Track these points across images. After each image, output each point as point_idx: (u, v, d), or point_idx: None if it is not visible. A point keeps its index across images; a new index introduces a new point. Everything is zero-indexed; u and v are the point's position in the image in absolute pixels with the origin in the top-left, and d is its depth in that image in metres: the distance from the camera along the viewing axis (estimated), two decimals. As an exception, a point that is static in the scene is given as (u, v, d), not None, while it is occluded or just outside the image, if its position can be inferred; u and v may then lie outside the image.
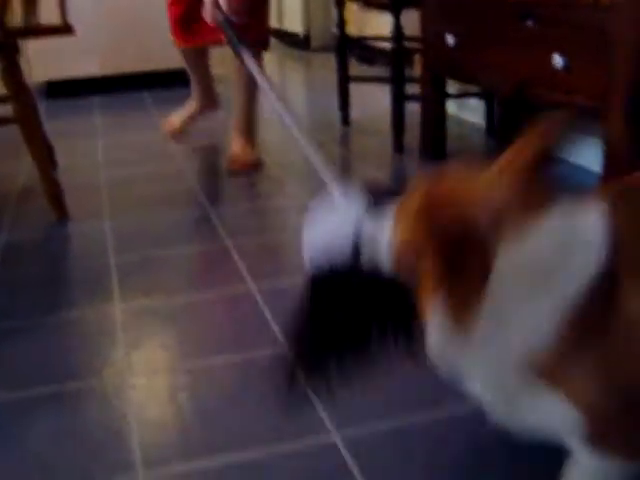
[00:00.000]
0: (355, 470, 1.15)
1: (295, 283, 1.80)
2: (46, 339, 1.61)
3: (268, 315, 1.66)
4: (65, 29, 2.46)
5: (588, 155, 2.49)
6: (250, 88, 2.90)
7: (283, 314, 1.64)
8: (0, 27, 2.17)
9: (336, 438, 1.23)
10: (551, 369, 0.84)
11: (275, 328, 1.60)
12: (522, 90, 2.18)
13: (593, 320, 0.82)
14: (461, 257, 0.81)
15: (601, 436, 0.87)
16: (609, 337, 0.82)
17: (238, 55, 2.00)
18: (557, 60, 1.97)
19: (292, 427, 1.26)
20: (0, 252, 2.10)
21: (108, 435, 1.27)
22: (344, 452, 1.19)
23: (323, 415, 1.29)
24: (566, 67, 1.96)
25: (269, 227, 2.22)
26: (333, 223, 1.06)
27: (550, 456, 1.05)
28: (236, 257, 1.99)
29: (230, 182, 2.71)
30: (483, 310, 0.82)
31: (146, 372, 1.46)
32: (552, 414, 0.86)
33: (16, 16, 2.38)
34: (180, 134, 3.33)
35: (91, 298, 1.78)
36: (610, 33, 1.80)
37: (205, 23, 2.85)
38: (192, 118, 3.39)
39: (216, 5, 2.35)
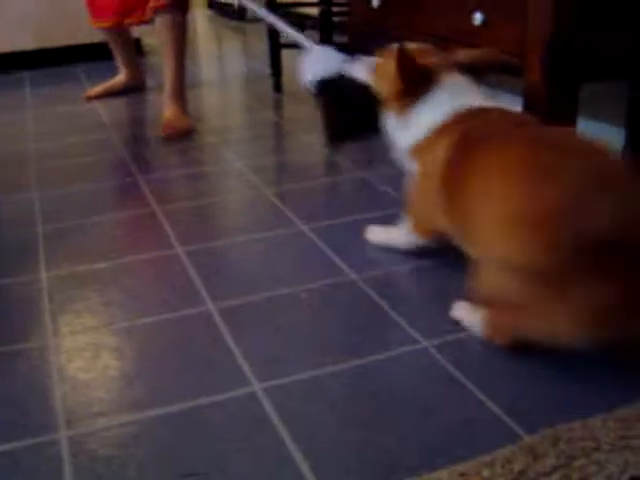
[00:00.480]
0: (275, 419, 1.17)
1: (222, 244, 1.82)
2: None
3: (194, 276, 1.66)
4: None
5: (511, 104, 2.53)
6: (178, 55, 2.90)
7: (210, 274, 1.66)
8: None
9: (257, 388, 1.25)
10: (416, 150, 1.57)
11: (201, 289, 1.61)
12: (444, 48, 2.20)
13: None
14: (412, 81, 1.56)
15: None
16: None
17: None
18: (477, 16, 1.99)
19: (215, 381, 1.28)
20: None
21: (32, 397, 1.27)
22: (265, 402, 1.21)
23: (245, 368, 1.31)
24: (484, 22, 1.98)
25: (199, 193, 2.22)
26: (322, 57, 1.99)
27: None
28: (164, 222, 1.99)
29: (162, 150, 2.69)
30: (412, 110, 1.58)
31: (70, 333, 1.46)
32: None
33: None
34: (96, 96, 3.50)
35: (18, 266, 1.77)
36: (526, -12, 1.83)
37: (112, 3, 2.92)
38: (113, 88, 3.46)
39: None
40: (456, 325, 1.40)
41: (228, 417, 1.18)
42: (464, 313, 1.41)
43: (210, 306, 1.53)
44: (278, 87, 3.39)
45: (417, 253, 1.69)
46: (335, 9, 2.99)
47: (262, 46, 4.42)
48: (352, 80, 1.75)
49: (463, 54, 1.67)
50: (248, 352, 1.36)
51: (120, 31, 3.34)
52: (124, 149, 2.69)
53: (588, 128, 2.29)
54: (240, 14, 6.21)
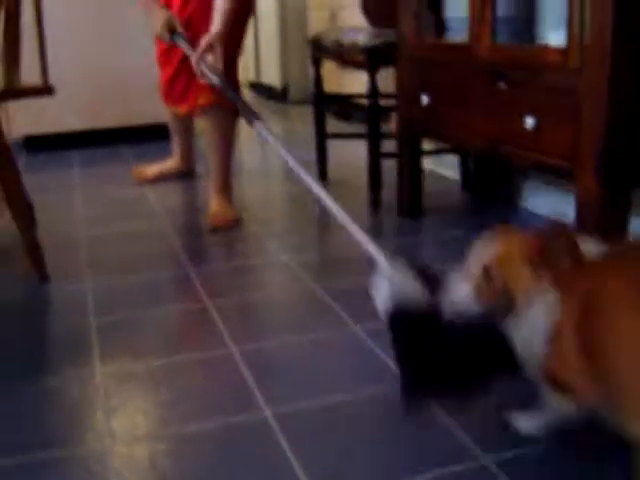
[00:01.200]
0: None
1: (275, 344, 1.83)
2: (25, 404, 1.60)
3: (248, 378, 1.67)
4: (46, 90, 2.49)
5: (556, 207, 2.55)
6: (224, 151, 2.95)
7: (264, 376, 1.67)
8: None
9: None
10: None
11: (255, 391, 1.61)
12: (494, 149, 2.23)
13: None
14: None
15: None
16: None
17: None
18: (528, 121, 2.02)
19: (273, 493, 1.27)
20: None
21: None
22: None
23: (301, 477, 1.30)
24: (537, 127, 2.01)
25: (248, 286, 2.24)
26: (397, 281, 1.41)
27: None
28: (216, 317, 2.00)
29: (209, 241, 2.73)
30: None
31: (127, 438, 1.47)
32: None
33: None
34: (147, 182, 3.53)
35: (71, 360, 1.79)
36: (579, 95, 1.85)
37: (192, 89, 2.93)
38: (164, 174, 3.53)
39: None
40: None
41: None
42: None
43: (266, 412, 1.53)
44: (324, 176, 3.44)
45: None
46: (382, 102, 3.04)
47: (306, 130, 4.49)
48: (439, 314, 1.30)
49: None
50: (307, 464, 1.35)
51: (189, 119, 3.41)
52: (174, 238, 2.73)
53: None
54: (283, 95, 6.35)
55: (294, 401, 1.56)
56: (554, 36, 2.02)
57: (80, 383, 1.68)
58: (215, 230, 2.80)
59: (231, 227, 2.82)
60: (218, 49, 2.61)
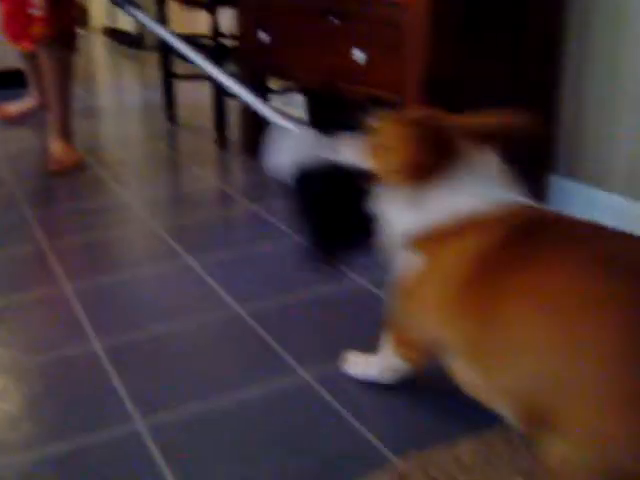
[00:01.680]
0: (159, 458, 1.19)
1: (111, 280, 1.83)
2: None
3: (81, 313, 1.67)
4: None
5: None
6: (62, 91, 2.87)
7: (97, 312, 1.67)
8: None
9: (140, 426, 1.27)
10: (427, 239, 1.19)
11: (87, 326, 1.61)
12: (329, 85, 2.27)
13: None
14: (435, 154, 1.18)
15: None
16: None
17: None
18: (358, 54, 2.07)
19: (98, 419, 1.29)
20: None
21: None
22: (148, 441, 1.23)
23: (128, 405, 1.33)
24: (367, 61, 2.06)
25: (89, 226, 2.22)
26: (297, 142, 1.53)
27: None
28: (53, 258, 1.98)
29: (52, 184, 2.67)
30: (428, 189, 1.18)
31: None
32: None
33: None
34: (12, 119, 3.46)
35: None
36: (404, 29, 1.91)
37: (27, 26, 2.85)
38: (27, 111, 3.43)
39: None
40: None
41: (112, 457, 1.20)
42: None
43: (96, 344, 1.54)
44: (172, 119, 3.41)
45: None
46: (229, 42, 3.04)
47: (159, 75, 4.43)
48: (341, 171, 1.38)
49: (477, 123, 1.26)
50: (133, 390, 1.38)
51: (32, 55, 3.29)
52: (13, 183, 2.66)
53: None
54: (138, 42, 6.20)
55: (123, 333, 1.58)
56: (380, -30, 2.06)
57: None
58: (55, 174, 2.74)
59: (71, 171, 2.77)
60: None
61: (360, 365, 1.42)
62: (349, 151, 1.36)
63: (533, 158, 2.14)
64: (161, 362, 1.47)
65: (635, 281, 0.92)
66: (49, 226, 2.23)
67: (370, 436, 1.22)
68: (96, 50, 6.46)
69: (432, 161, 1.19)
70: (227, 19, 3.07)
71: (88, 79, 4.71)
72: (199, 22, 4.10)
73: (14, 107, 3.53)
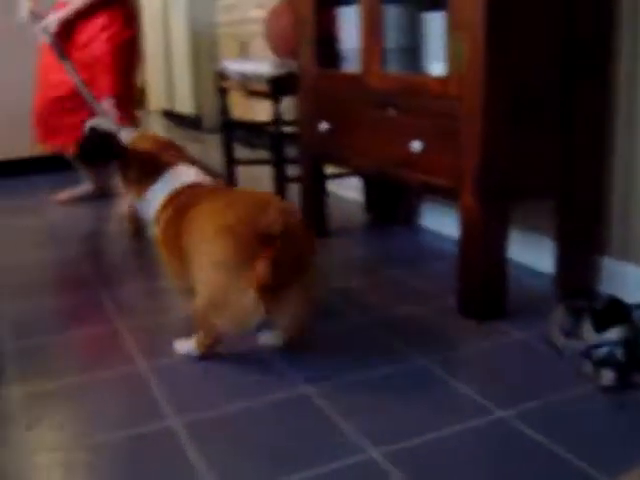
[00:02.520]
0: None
1: (186, 359, 1.94)
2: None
3: (154, 389, 1.77)
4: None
5: (450, 224, 2.73)
6: None
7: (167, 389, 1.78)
8: None
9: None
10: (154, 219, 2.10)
11: (164, 403, 1.72)
12: (385, 172, 2.39)
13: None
14: (143, 169, 2.12)
15: None
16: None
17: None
18: (415, 144, 2.19)
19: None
20: None
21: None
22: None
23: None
24: (423, 150, 2.17)
25: (160, 307, 2.34)
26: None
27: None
28: (128, 337, 2.10)
29: (122, 263, 2.82)
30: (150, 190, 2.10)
31: (45, 450, 1.55)
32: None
33: None
34: (65, 204, 3.75)
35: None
36: (458, 120, 2.03)
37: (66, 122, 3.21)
38: (80, 198, 3.67)
39: None
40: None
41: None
42: (184, 344, 1.96)
43: (173, 421, 1.63)
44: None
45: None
46: (287, 128, 3.19)
47: (219, 157, 4.60)
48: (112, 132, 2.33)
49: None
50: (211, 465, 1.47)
51: None
52: (89, 264, 2.81)
53: (521, 240, 2.47)
54: (196, 124, 6.45)
55: (199, 410, 1.67)
56: (436, 66, 2.19)
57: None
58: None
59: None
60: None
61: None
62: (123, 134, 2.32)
63: (584, 239, 2.23)
64: (238, 438, 1.56)
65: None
66: (122, 305, 2.36)
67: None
68: (155, 131, 6.71)
69: (137, 177, 2.12)
70: (287, 107, 3.23)
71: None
72: (264, 109, 4.30)
73: (66, 194, 3.81)
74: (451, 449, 1.48)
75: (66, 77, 3.28)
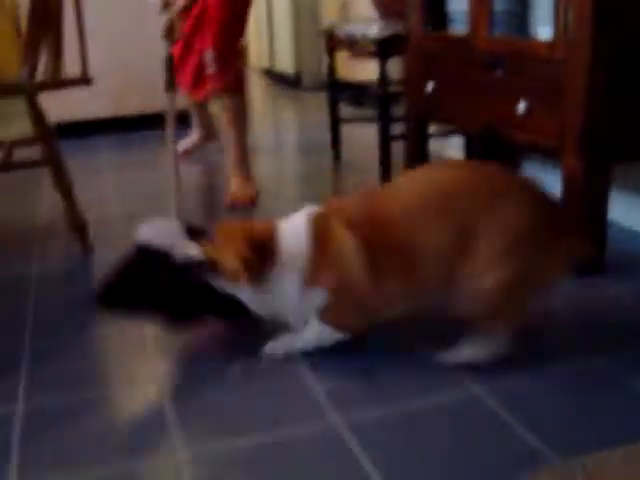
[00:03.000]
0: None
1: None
2: (83, 354, 1.89)
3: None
4: (85, 80, 2.74)
5: (552, 182, 2.80)
6: (239, 132, 3.28)
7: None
8: (32, 82, 2.48)
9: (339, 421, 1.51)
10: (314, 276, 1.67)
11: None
12: (490, 130, 2.49)
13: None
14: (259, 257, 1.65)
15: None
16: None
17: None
18: (521, 105, 2.28)
19: None
20: (34, 280, 2.38)
21: None
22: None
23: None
24: (528, 110, 2.26)
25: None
26: (162, 229, 1.87)
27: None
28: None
29: (231, 215, 3.00)
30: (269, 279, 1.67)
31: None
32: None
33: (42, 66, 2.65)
34: (188, 156, 3.96)
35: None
36: (564, 82, 2.11)
37: (202, 79, 3.33)
38: (195, 146, 3.91)
39: None
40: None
41: None
42: (467, 351, 1.69)
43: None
44: (338, 157, 3.71)
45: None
46: (391, 88, 3.30)
47: (318, 116, 4.75)
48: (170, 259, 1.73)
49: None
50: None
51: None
52: (198, 215, 3.00)
53: (624, 202, 2.54)
54: (296, 82, 6.60)
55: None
56: (543, 30, 2.27)
57: (129, 332, 1.96)
58: (233, 207, 3.08)
59: (248, 204, 3.11)
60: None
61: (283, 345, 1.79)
62: (195, 251, 1.70)
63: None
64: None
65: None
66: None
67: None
68: (256, 90, 6.89)
69: (256, 266, 1.65)
70: (393, 66, 3.34)
71: (251, 120, 5.09)
72: (366, 69, 4.42)
73: (183, 144, 4.04)
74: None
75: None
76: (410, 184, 1.73)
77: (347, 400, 1.59)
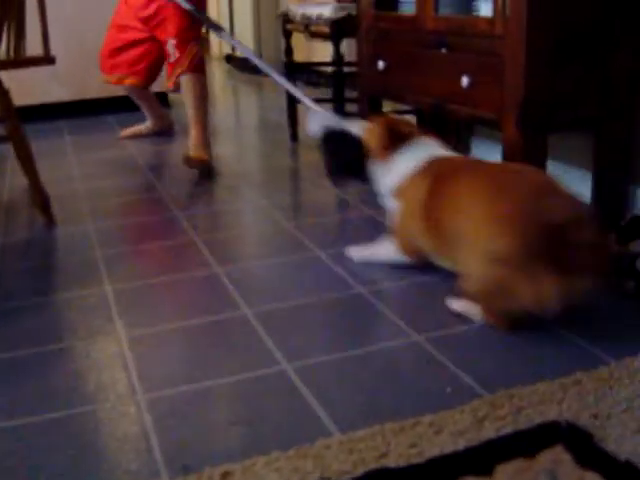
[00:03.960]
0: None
1: (255, 264, 2.21)
2: (44, 315, 1.98)
3: (231, 289, 2.05)
4: (48, 60, 2.81)
5: (494, 153, 2.94)
6: (201, 107, 3.46)
7: (244, 288, 2.05)
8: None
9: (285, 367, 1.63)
10: (399, 190, 2.10)
11: (237, 298, 1.99)
12: (439, 106, 2.61)
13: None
14: (393, 141, 2.13)
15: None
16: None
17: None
18: (464, 80, 2.40)
19: (253, 362, 1.65)
20: (-1, 251, 2.47)
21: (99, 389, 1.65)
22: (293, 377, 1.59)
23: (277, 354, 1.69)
24: (470, 85, 2.39)
25: (230, 225, 2.62)
26: (327, 117, 2.52)
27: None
28: (202, 248, 2.38)
29: (191, 190, 3.11)
30: (394, 161, 2.12)
31: (133, 332, 1.85)
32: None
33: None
34: (130, 139, 4.14)
35: (84, 281, 2.16)
36: (503, 57, 2.23)
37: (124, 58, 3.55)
38: (142, 132, 4.03)
39: None
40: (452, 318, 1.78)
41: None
42: (463, 305, 1.83)
43: (247, 311, 1.91)
44: (295, 137, 3.81)
45: (406, 271, 2.08)
46: (346, 68, 3.41)
47: (277, 97, 4.86)
48: (348, 134, 2.25)
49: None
50: (279, 342, 1.74)
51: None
52: (160, 189, 3.10)
53: (557, 171, 2.68)
54: (256, 68, 6.68)
55: (270, 304, 1.95)
56: (485, 7, 2.39)
57: (93, 297, 2.06)
58: (189, 164, 3.29)
59: (203, 165, 3.30)
60: None
61: (363, 251, 2.23)
62: (357, 128, 2.24)
63: (619, 170, 2.43)
64: (299, 325, 1.84)
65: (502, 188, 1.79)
66: (196, 223, 2.64)
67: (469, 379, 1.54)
68: (217, 76, 6.97)
69: (391, 146, 2.13)
70: (347, 48, 3.45)
71: (212, 102, 5.18)
72: (322, 50, 4.52)
73: (130, 130, 4.24)
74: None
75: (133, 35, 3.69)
76: (474, 177, 1.92)
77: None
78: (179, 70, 3.44)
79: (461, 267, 1.81)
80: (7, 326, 1.91)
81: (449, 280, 1.91)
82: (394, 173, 2.11)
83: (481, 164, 2.09)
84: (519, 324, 1.72)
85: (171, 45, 3.39)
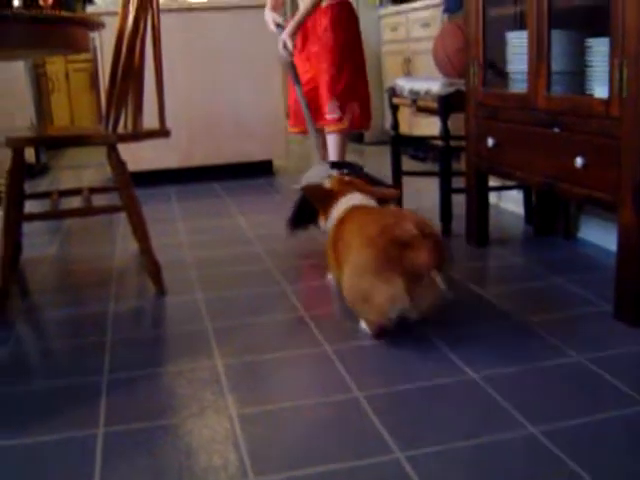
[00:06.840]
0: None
1: (369, 344, 2.21)
2: (155, 387, 2.01)
3: (340, 366, 2.05)
4: (163, 133, 2.92)
5: (608, 238, 2.87)
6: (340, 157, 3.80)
7: (351, 368, 2.04)
8: (117, 133, 2.66)
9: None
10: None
11: (349, 380, 1.98)
12: (550, 185, 2.58)
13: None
14: (323, 202, 2.76)
15: None
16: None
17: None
18: (578, 160, 2.37)
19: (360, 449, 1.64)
20: (111, 320, 2.52)
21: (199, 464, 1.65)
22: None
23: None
24: (585, 166, 2.36)
25: (335, 299, 2.63)
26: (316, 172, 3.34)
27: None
28: (309, 323, 2.39)
29: (299, 263, 3.13)
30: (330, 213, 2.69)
31: (245, 407, 1.86)
32: None
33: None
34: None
35: (194, 354, 2.19)
36: (620, 139, 2.20)
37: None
38: None
39: None
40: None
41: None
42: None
43: (357, 394, 1.90)
44: (399, 206, 3.83)
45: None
46: (453, 142, 3.42)
47: (380, 169, 4.88)
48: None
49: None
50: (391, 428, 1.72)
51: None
52: (269, 261, 3.14)
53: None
54: (360, 136, 6.77)
55: (379, 386, 1.93)
56: (600, 89, 2.37)
57: (203, 371, 2.08)
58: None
59: None
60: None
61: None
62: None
63: None
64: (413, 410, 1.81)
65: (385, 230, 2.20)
66: (303, 298, 2.65)
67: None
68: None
69: (324, 205, 2.74)
70: (455, 122, 3.46)
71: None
72: (428, 124, 4.55)
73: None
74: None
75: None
76: (361, 216, 2.45)
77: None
78: (336, 129, 3.91)
79: (340, 283, 2.37)
80: (119, 397, 1.95)
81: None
82: (329, 221, 2.66)
83: (373, 209, 2.60)
84: (386, 331, 2.20)
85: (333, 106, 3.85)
